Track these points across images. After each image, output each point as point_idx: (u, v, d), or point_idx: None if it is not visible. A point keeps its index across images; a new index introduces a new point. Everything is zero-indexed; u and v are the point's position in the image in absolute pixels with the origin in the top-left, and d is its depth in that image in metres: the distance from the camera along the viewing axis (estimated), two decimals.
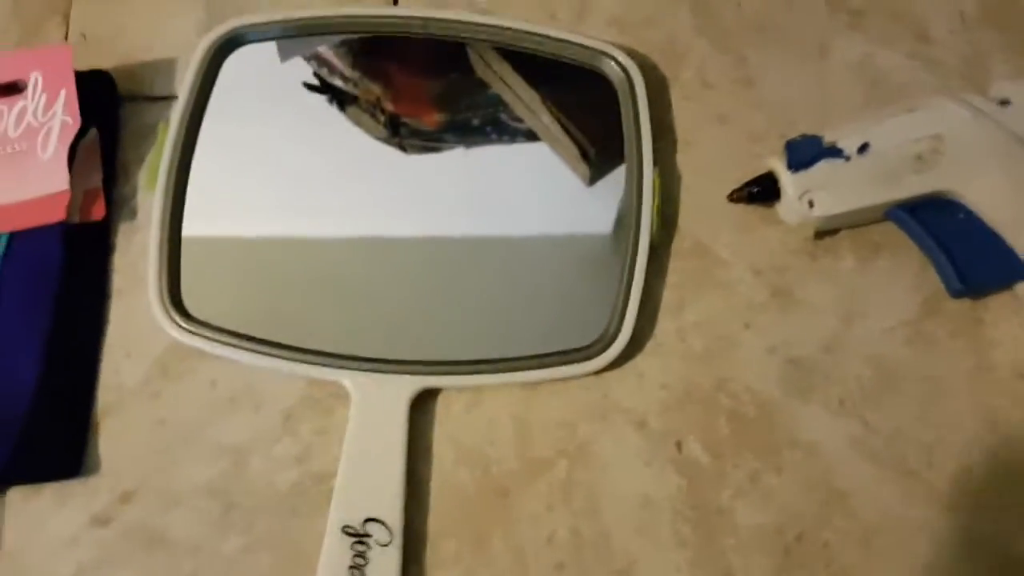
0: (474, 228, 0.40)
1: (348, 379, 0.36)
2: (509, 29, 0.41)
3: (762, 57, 0.41)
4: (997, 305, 0.37)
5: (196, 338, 0.37)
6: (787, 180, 0.37)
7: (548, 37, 0.41)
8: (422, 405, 0.36)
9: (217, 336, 0.36)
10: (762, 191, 0.38)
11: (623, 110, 0.40)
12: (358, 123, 0.42)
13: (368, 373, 0.36)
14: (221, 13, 0.43)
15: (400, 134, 0.43)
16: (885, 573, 0.34)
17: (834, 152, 0.37)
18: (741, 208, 0.39)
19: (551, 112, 0.42)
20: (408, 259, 0.39)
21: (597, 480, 0.35)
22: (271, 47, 0.43)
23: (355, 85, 0.43)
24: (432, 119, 0.43)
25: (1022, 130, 0.37)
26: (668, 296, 0.38)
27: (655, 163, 0.38)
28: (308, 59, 0.43)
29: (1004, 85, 0.39)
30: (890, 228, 0.38)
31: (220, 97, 0.41)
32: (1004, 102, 0.38)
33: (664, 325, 0.38)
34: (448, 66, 0.43)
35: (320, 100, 0.42)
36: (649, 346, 0.37)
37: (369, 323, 0.37)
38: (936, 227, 0.36)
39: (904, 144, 0.36)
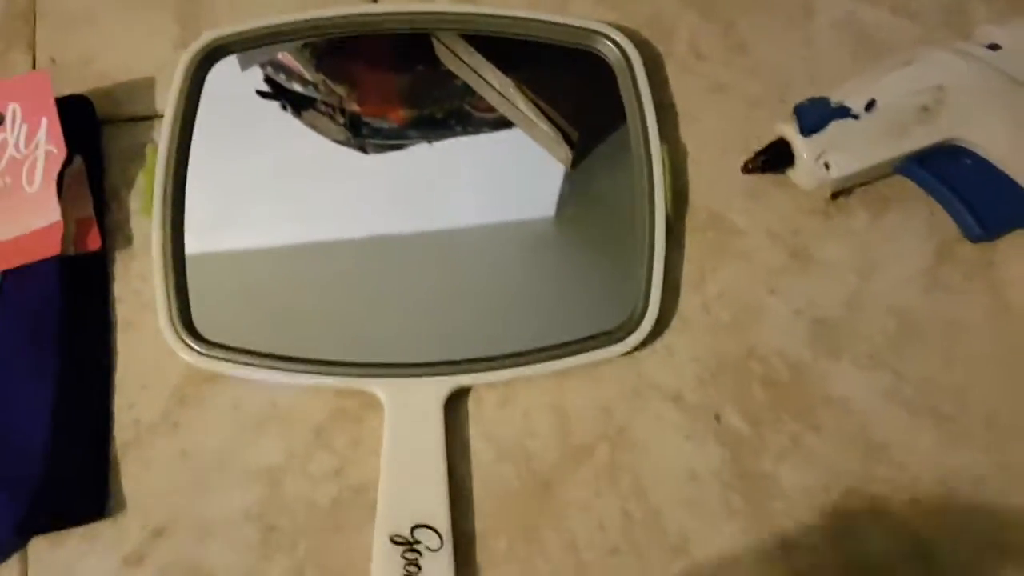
0: (479, 218, 0.39)
1: (378, 387, 0.35)
2: (498, 17, 0.41)
3: (750, 23, 0.41)
4: (1005, 246, 0.38)
5: (213, 361, 0.35)
6: (801, 144, 0.37)
7: (540, 21, 0.41)
8: (454, 404, 0.35)
9: (235, 357, 0.35)
10: (775, 158, 0.38)
11: (623, 90, 0.40)
12: (315, 127, 0.41)
13: (398, 379, 0.35)
14: (196, 27, 0.41)
15: (362, 134, 0.42)
16: (933, 519, 0.34)
17: (843, 112, 0.37)
18: (753, 176, 0.39)
19: (527, 97, 0.41)
20: (421, 257, 0.38)
21: (640, 460, 0.35)
22: (244, 56, 0.42)
23: (316, 88, 0.42)
24: (397, 116, 0.42)
25: (1014, 71, 0.38)
26: (688, 270, 0.38)
27: (661, 140, 0.38)
28: (266, 65, 0.42)
29: (990, 29, 0.39)
30: (897, 181, 0.38)
31: (205, 111, 0.40)
32: (993, 46, 0.38)
33: (688, 299, 0.38)
34: (414, 60, 0.42)
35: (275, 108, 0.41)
36: (676, 322, 0.37)
37: (392, 327, 0.36)
38: (948, 176, 0.37)
39: (908, 97, 0.37)
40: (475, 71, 0.42)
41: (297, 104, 0.41)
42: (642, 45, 0.41)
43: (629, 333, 0.36)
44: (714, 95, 0.41)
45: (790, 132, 0.37)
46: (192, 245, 0.37)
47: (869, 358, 0.36)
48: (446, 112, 0.42)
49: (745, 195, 0.39)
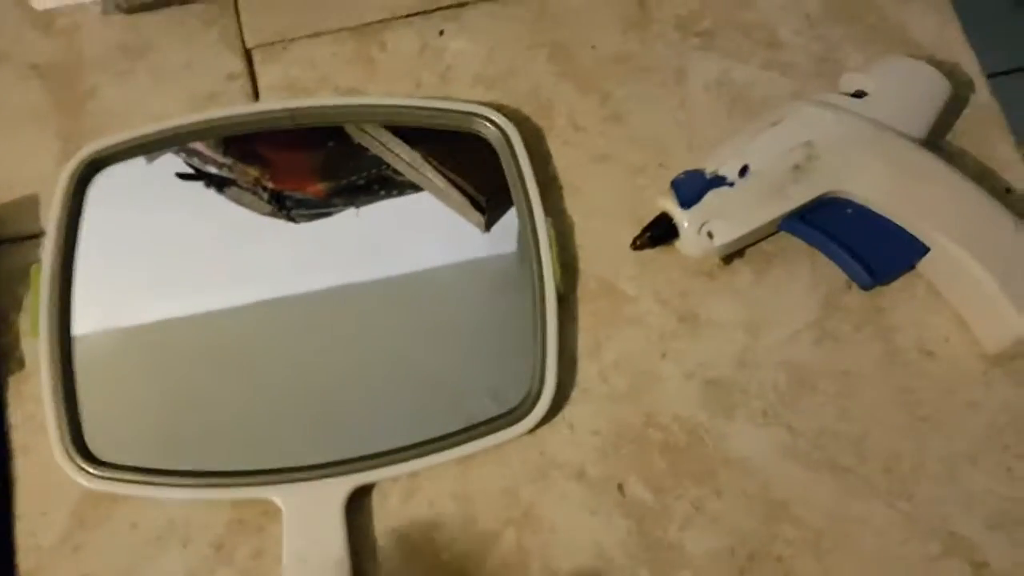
0: (378, 303, 0.39)
1: (274, 494, 0.34)
2: (379, 107, 0.41)
3: (626, 91, 0.42)
4: (892, 292, 0.39)
5: (108, 483, 0.35)
6: (681, 217, 0.37)
7: (418, 108, 0.41)
8: (357, 503, 0.35)
9: (128, 476, 0.35)
10: (661, 233, 0.38)
11: (506, 168, 0.40)
12: (240, 202, 0.42)
13: (294, 484, 0.34)
14: (78, 140, 0.41)
15: (287, 207, 0.42)
16: (840, 573, 0.34)
17: (718, 181, 0.37)
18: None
19: (435, 168, 0.42)
20: (310, 356, 0.38)
21: (548, 540, 0.35)
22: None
23: (230, 170, 0.42)
24: (316, 189, 0.43)
25: (882, 116, 0.39)
26: (584, 340, 0.38)
27: (547, 214, 0.39)
28: (178, 152, 0.42)
29: (854, 77, 0.40)
30: (780, 237, 0.39)
31: (94, 220, 0.40)
32: (859, 94, 0.40)
33: (585, 370, 0.38)
34: (325, 138, 0.43)
35: (199, 188, 0.41)
36: (575, 394, 0.37)
37: (285, 429, 0.36)
38: (832, 227, 0.38)
39: (780, 157, 0.38)
40: (384, 145, 0.43)
41: (219, 183, 0.42)
42: (523, 122, 0.42)
43: (528, 412, 0.36)
44: (596, 165, 0.41)
45: (670, 206, 0.38)
46: (82, 359, 0.37)
47: (763, 415, 0.37)
48: (368, 179, 0.42)
49: (633, 262, 0.39)
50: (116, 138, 0.40)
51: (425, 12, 0.44)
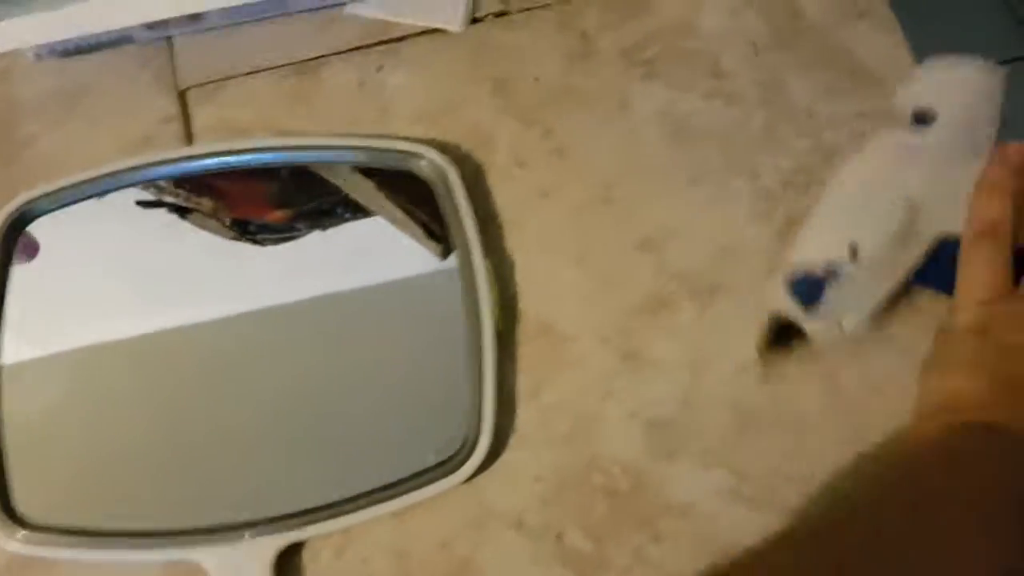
0: (309, 349, 0.38)
1: (201, 555, 0.33)
2: (311, 147, 0.41)
3: (567, 125, 0.41)
4: None
5: (37, 547, 0.34)
6: (809, 324, 0.36)
7: (352, 147, 0.40)
8: (289, 561, 0.34)
9: (58, 539, 0.34)
10: (782, 338, 0.37)
11: (443, 206, 0.39)
12: (204, 228, 0.41)
13: (220, 545, 0.33)
14: (14, 188, 0.40)
15: (250, 231, 0.41)
16: None
17: (834, 275, 0.35)
18: (579, 279, 0.39)
19: (389, 198, 0.41)
20: (243, 408, 0.37)
21: None
22: None
23: (186, 199, 0.41)
24: (276, 216, 0.42)
25: (948, 141, 0.37)
26: (523, 382, 0.37)
27: (485, 253, 0.38)
28: (135, 183, 0.41)
29: (911, 92, 0.38)
30: (721, 270, 0.38)
31: (34, 269, 0.39)
32: (921, 117, 0.38)
33: (525, 414, 0.37)
34: (278, 168, 0.42)
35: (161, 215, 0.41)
36: (514, 439, 0.36)
37: (213, 487, 0.35)
38: (944, 263, 0.36)
39: (884, 224, 0.36)
40: (338, 175, 0.42)
41: (180, 210, 0.41)
42: (463, 158, 0.41)
43: (465, 460, 0.35)
44: (538, 201, 0.40)
45: (791, 310, 0.36)
46: (11, 416, 0.36)
47: (707, 457, 0.36)
48: (331, 203, 0.42)
49: (574, 300, 0.38)
50: (52, 186, 0.40)
51: (364, 48, 0.44)
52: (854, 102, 0.42)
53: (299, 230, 0.41)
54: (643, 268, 0.39)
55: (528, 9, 0.44)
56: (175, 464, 0.36)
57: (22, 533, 0.34)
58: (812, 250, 0.37)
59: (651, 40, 0.43)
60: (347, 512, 0.34)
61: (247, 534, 0.33)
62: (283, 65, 0.43)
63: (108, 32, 0.43)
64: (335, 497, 0.34)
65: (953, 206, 0.36)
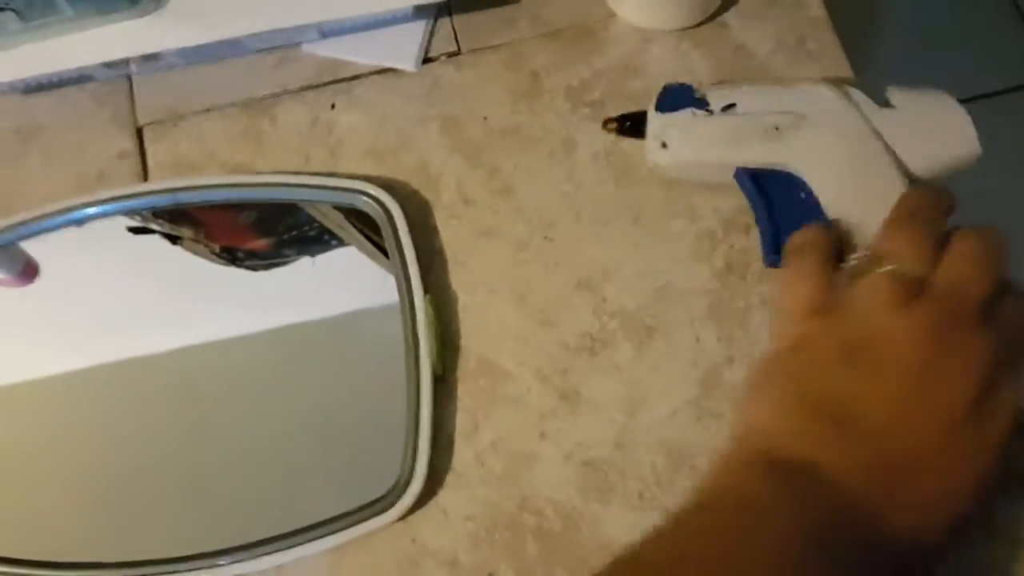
0: (243, 382, 0.39)
1: None
2: (260, 185, 0.41)
3: (514, 164, 0.42)
4: None
5: None
6: (651, 117, 0.39)
7: (299, 185, 0.41)
8: None
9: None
10: (632, 125, 0.40)
11: (387, 243, 0.40)
12: (195, 253, 0.42)
13: None
14: None
15: (238, 258, 0.42)
16: None
17: (701, 104, 0.39)
18: (521, 317, 0.39)
19: (358, 229, 0.42)
20: (176, 443, 0.37)
21: None
22: None
23: (170, 228, 0.42)
24: (259, 245, 0.43)
25: (888, 134, 0.37)
26: (462, 421, 0.38)
27: (427, 291, 0.39)
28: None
29: (894, 92, 0.39)
30: (660, 310, 0.39)
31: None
32: (888, 105, 0.38)
33: (462, 453, 0.37)
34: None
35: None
36: (450, 478, 0.37)
37: (146, 522, 0.36)
38: (774, 198, 0.37)
39: (766, 113, 0.38)
40: (312, 204, 0.42)
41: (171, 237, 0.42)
42: (410, 196, 0.42)
43: (398, 499, 0.35)
44: (482, 239, 0.41)
45: (649, 105, 0.39)
46: None
47: (640, 498, 0.36)
48: (317, 230, 0.42)
49: (514, 338, 0.39)
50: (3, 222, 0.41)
51: (317, 86, 0.44)
52: None
53: (287, 256, 0.42)
54: (583, 307, 0.39)
55: (479, 49, 0.45)
56: (111, 499, 0.36)
57: None
58: (715, 88, 0.39)
59: (597, 80, 0.43)
60: (280, 549, 0.34)
61: (180, 569, 0.34)
62: (236, 103, 0.44)
63: (68, 70, 0.44)
64: (267, 534, 0.34)
65: (823, 162, 0.37)
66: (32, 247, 0.42)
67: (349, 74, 0.45)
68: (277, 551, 0.34)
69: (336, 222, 0.42)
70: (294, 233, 0.43)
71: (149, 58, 0.45)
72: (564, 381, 0.38)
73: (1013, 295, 0.32)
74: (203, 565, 0.34)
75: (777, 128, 0.38)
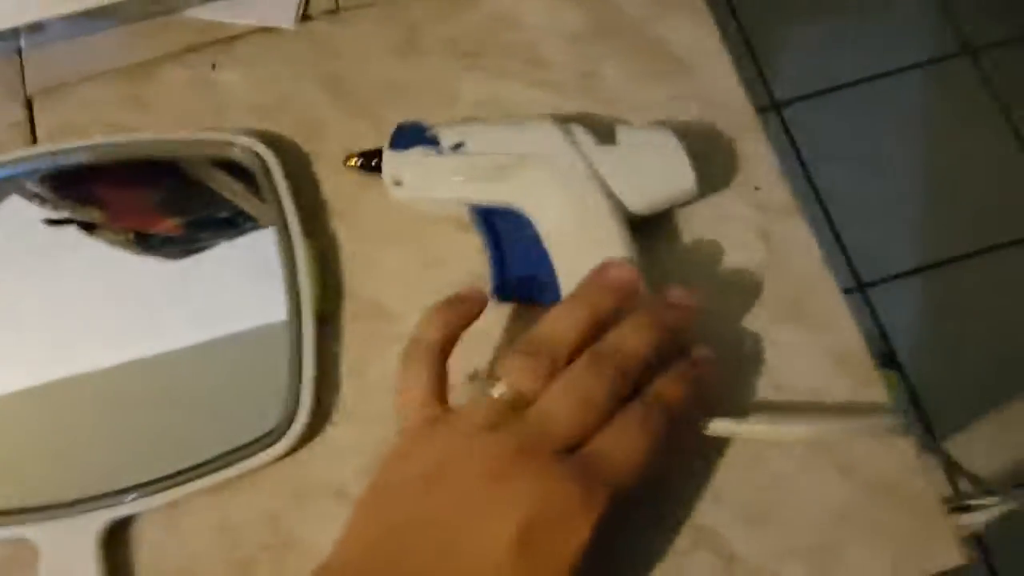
0: (133, 327, 0.40)
1: (30, 533, 0.35)
2: (140, 143, 0.42)
3: (396, 115, 0.43)
4: None
5: None
6: (386, 156, 0.40)
7: (177, 141, 0.42)
8: (120, 537, 0.36)
9: None
10: (370, 162, 0.41)
11: (263, 191, 0.41)
12: (112, 244, 0.42)
13: (49, 522, 0.35)
14: None
15: (152, 245, 0.43)
16: None
17: (431, 142, 0.39)
18: (406, 260, 0.41)
19: (256, 198, 0.42)
20: (67, 385, 0.38)
21: (305, 563, 0.35)
22: None
23: (75, 212, 0.42)
24: (167, 226, 0.43)
25: (607, 172, 0.38)
26: (348, 360, 0.39)
27: (314, 237, 0.40)
28: (31, 197, 0.42)
29: (620, 129, 0.40)
30: None
31: None
32: (610, 141, 0.39)
33: (350, 391, 0.39)
34: (159, 175, 0.43)
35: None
36: (338, 416, 0.38)
37: (41, 466, 0.37)
38: (503, 234, 0.39)
39: (493, 154, 0.39)
40: (213, 179, 0.43)
41: (87, 227, 0.42)
42: (292, 149, 0.43)
43: (283, 434, 0.37)
44: (366, 190, 0.42)
45: (384, 144, 0.40)
46: None
47: None
48: (231, 212, 0.43)
49: (400, 282, 0.40)
50: None
51: (198, 48, 0.45)
52: (665, 87, 0.44)
53: (202, 240, 0.43)
54: (467, 248, 0.41)
55: (358, 7, 0.46)
56: (7, 444, 0.37)
57: None
58: (447, 127, 0.40)
59: (474, 31, 0.45)
60: (170, 487, 0.36)
61: (76, 511, 0.35)
62: (119, 68, 0.45)
63: None
64: (157, 474, 0.36)
65: (543, 202, 0.38)
66: None
67: (229, 35, 0.45)
68: (167, 489, 0.36)
69: (240, 195, 0.43)
70: (204, 214, 0.43)
71: (33, 29, 0.45)
72: None
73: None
74: (100, 505, 0.35)
75: (501, 168, 0.39)
